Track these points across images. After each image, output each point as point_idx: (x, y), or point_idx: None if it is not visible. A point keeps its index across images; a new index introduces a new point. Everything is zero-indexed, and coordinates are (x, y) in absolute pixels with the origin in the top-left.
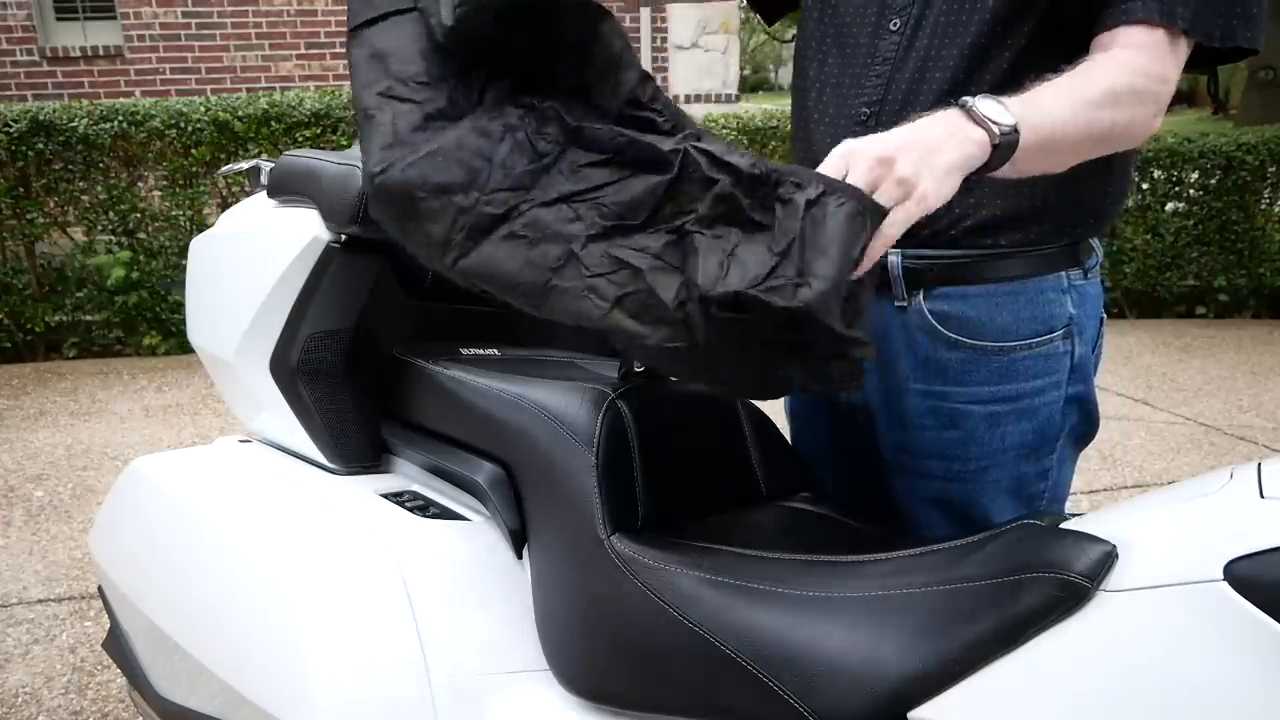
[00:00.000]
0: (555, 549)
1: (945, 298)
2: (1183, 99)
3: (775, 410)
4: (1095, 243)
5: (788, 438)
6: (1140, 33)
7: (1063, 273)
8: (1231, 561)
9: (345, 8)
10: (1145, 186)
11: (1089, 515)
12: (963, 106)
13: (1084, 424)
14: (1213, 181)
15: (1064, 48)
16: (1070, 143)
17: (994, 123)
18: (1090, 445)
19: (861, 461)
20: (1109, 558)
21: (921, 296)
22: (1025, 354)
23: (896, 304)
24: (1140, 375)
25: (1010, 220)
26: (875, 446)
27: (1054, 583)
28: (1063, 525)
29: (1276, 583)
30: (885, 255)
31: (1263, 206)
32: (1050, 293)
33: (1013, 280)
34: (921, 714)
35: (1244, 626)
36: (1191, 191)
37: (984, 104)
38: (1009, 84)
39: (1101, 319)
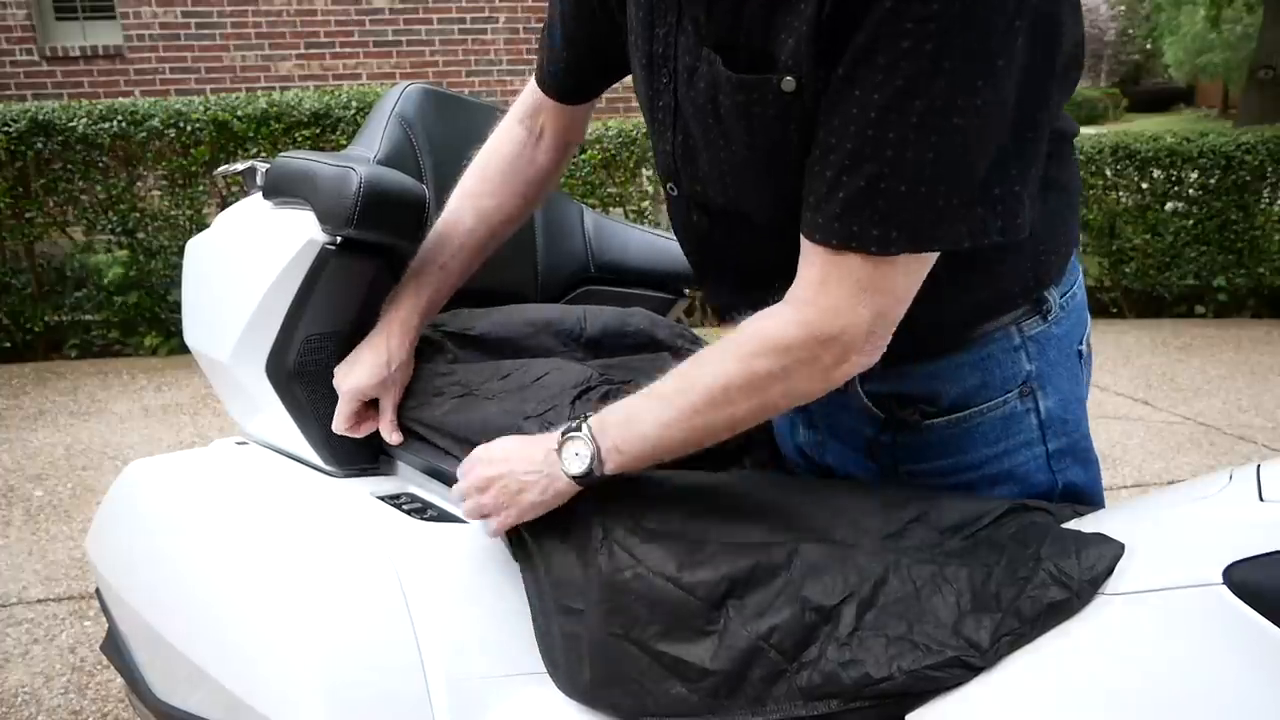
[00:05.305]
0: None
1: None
2: (1183, 98)
3: None
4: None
5: None
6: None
7: (1012, 328)
8: (1231, 565)
9: (345, 8)
10: (1145, 186)
11: (1089, 515)
12: (559, 445)
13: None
14: (1212, 181)
15: None
16: (676, 449)
17: (571, 476)
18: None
19: None
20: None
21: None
22: (980, 420)
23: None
24: (1140, 375)
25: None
26: None
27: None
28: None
29: (1275, 587)
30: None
31: (1262, 206)
32: (1000, 354)
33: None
34: (922, 714)
35: (1243, 630)
36: (1191, 191)
37: (570, 447)
38: None
39: (1080, 354)
